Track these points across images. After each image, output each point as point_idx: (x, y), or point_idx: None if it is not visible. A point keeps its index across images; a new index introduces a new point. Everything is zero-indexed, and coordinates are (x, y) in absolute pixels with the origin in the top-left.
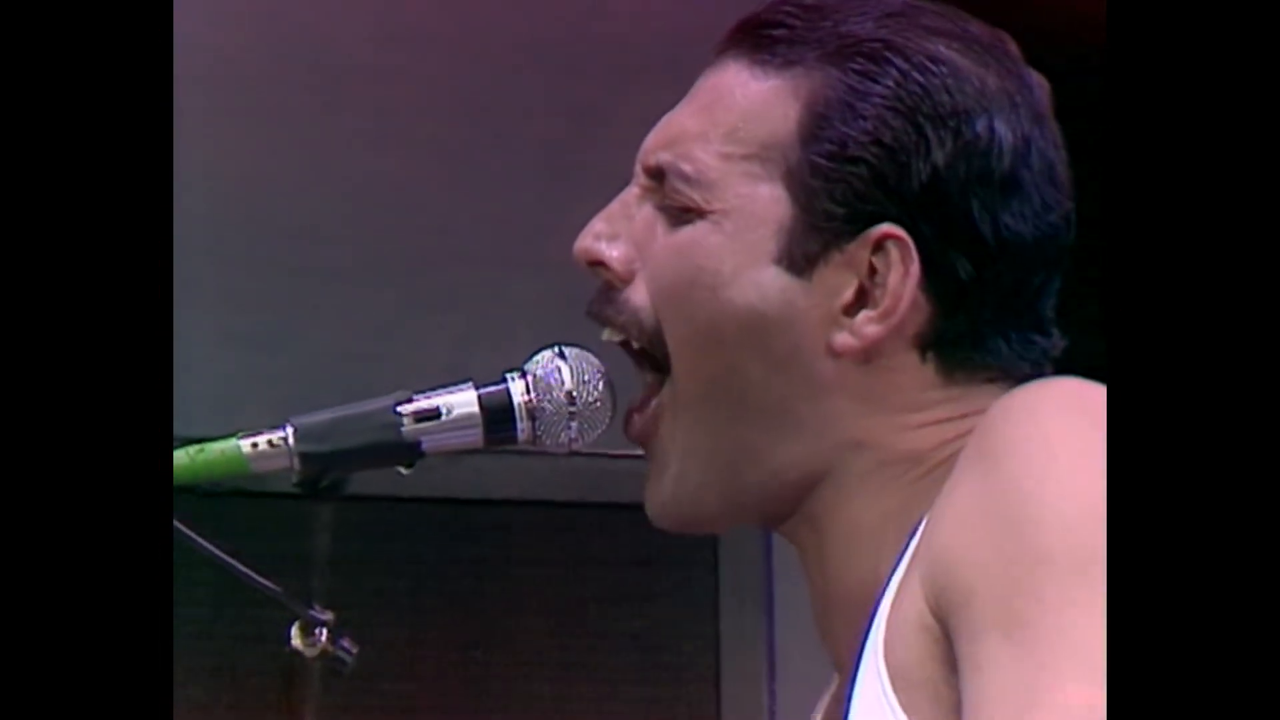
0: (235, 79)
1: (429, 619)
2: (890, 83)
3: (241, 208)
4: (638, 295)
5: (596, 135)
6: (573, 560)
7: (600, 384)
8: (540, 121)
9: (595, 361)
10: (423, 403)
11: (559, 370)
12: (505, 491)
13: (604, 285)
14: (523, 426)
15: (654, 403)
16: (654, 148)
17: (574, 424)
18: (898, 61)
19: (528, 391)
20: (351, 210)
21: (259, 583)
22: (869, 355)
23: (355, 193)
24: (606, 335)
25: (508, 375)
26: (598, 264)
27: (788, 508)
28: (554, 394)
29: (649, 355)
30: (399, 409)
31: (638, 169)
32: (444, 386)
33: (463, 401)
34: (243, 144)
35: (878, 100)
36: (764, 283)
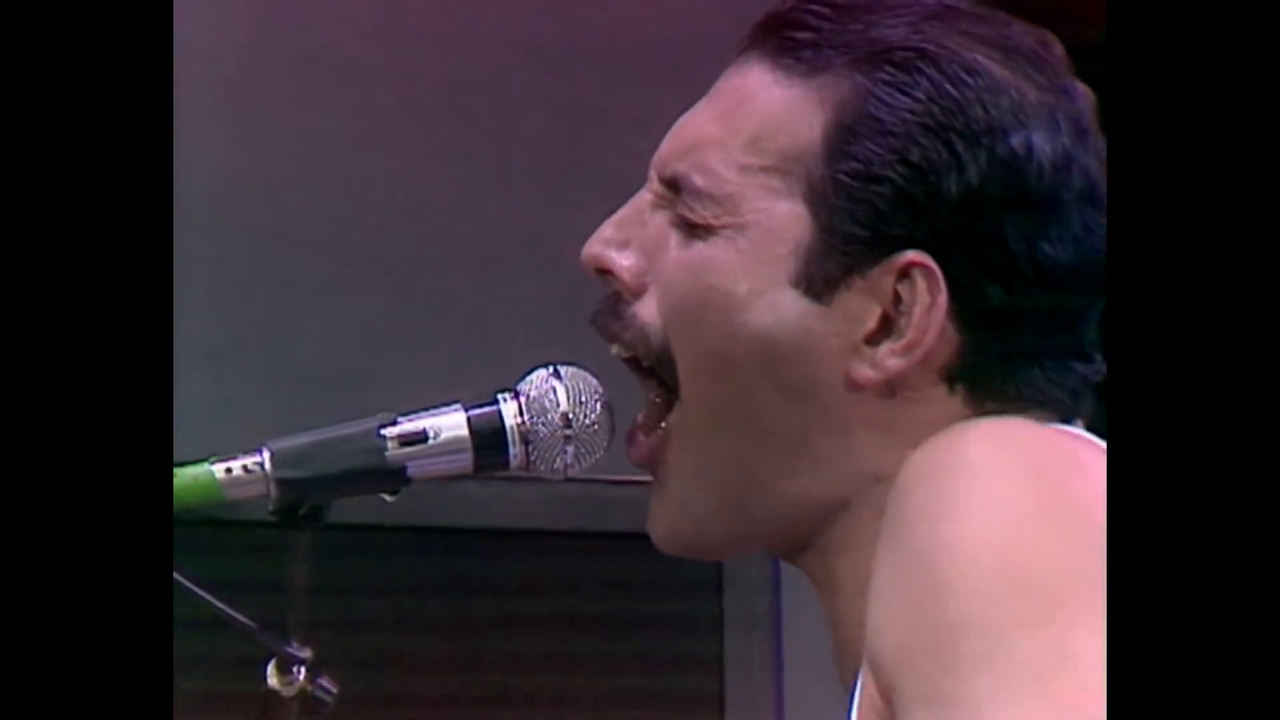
0: (223, 78)
1: (415, 655)
2: (921, 95)
3: (221, 213)
4: (646, 311)
5: (594, 136)
6: (569, 593)
7: (598, 405)
8: (538, 122)
9: (592, 381)
10: (408, 425)
11: (554, 391)
12: (496, 520)
13: (611, 296)
14: (515, 451)
15: (661, 426)
16: (669, 156)
17: (570, 448)
18: (930, 72)
19: (521, 413)
20: (339, 215)
21: (232, 617)
22: (892, 388)
23: (344, 196)
24: (615, 351)
25: (499, 396)
26: (606, 272)
27: (801, 541)
28: (548, 416)
29: (657, 374)
30: (383, 432)
31: (652, 174)
32: (432, 407)
33: (451, 424)
34: (223, 144)
35: (906, 115)
36: (780, 306)
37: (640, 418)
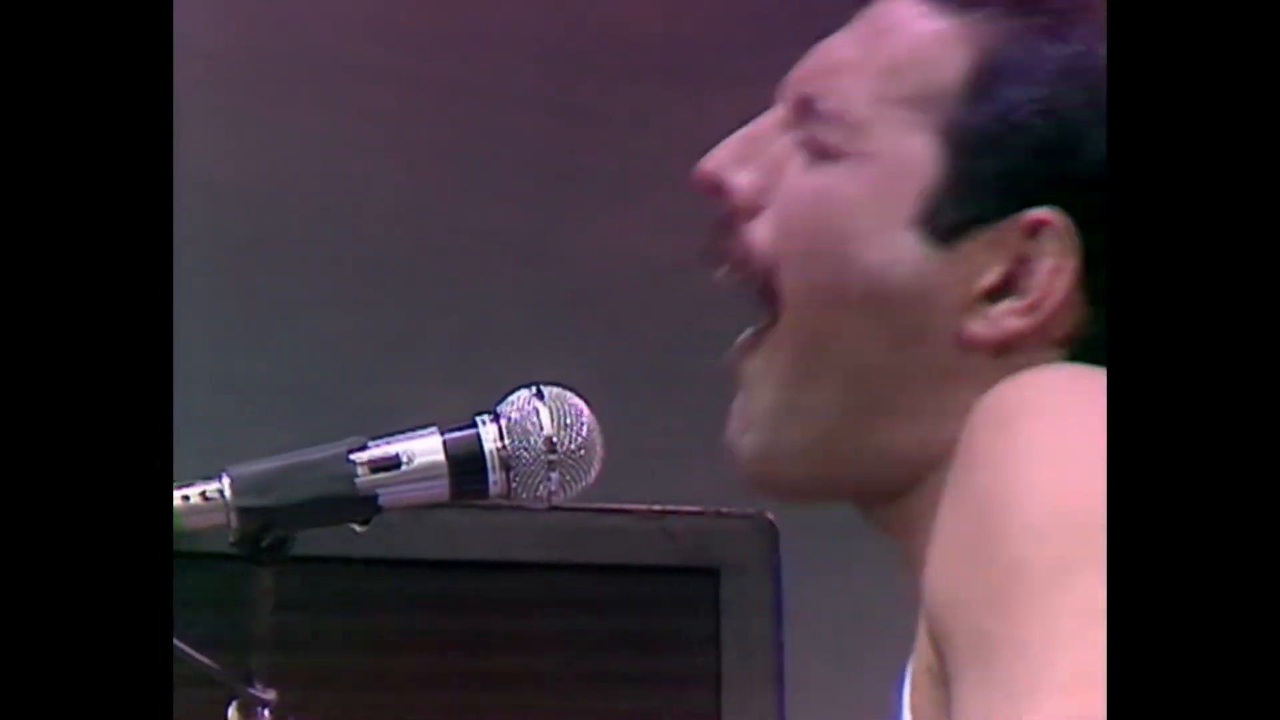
0: (223, 79)
1: (386, 698)
2: (1076, 46)
3: (220, 214)
4: (759, 232)
5: (593, 137)
6: (553, 632)
7: (584, 429)
8: (538, 123)
9: (578, 403)
10: (380, 450)
11: (536, 412)
12: (475, 552)
13: (724, 216)
14: (495, 478)
15: (760, 338)
16: (803, 77)
17: (554, 474)
18: (1086, 23)
19: (501, 437)
20: (337, 216)
21: (191, 657)
22: (1005, 349)
23: (342, 197)
24: (720, 274)
25: (478, 418)
26: (721, 191)
27: (883, 494)
28: (531, 440)
29: (762, 300)
30: (352, 457)
31: (783, 94)
32: (405, 431)
33: (426, 448)
34: (222, 146)
35: (1055, 64)
36: (899, 247)
37: (744, 337)
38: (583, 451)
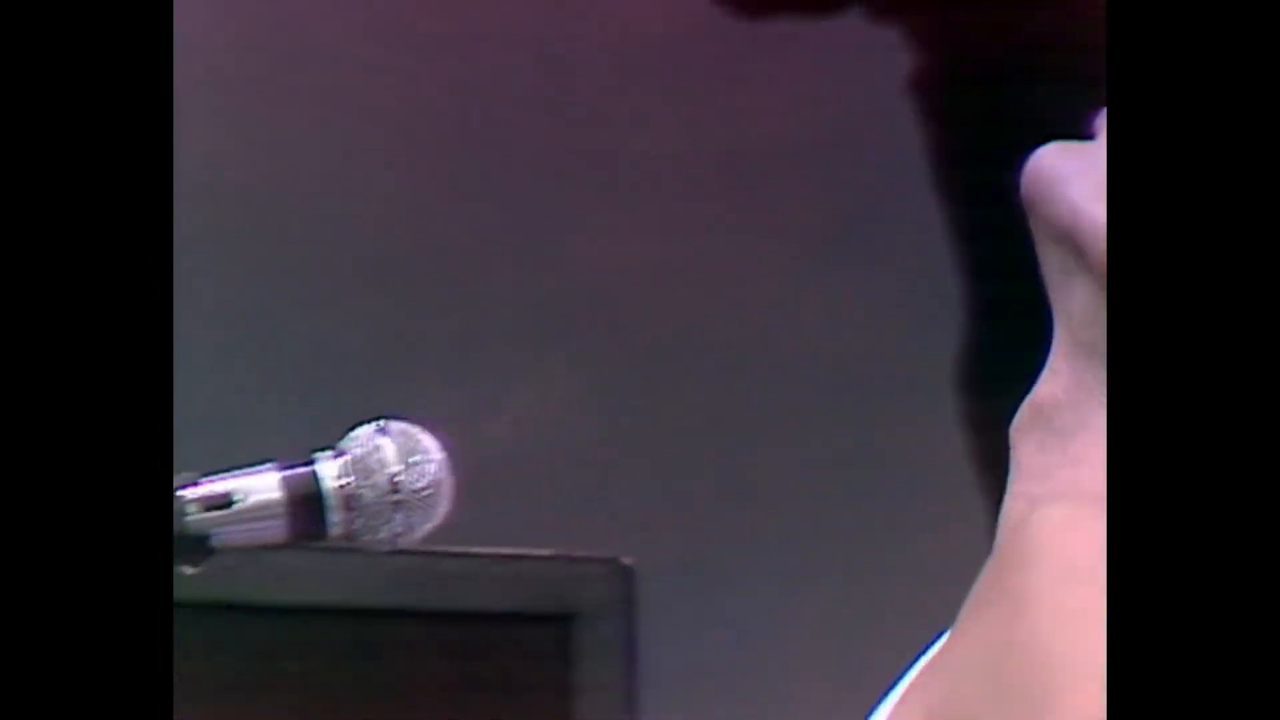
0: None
1: None
2: None
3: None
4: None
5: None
6: (399, 680)
7: (432, 467)
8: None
9: (427, 439)
10: (211, 486)
11: (379, 448)
12: (314, 597)
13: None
14: (336, 518)
15: None
16: None
17: (399, 515)
18: None
19: (342, 474)
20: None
21: None
22: None
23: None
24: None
25: (316, 455)
26: None
27: None
28: (374, 478)
29: None
30: (181, 493)
31: None
32: (242, 466)
33: (262, 485)
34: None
35: None
36: None
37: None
38: (429, 491)
